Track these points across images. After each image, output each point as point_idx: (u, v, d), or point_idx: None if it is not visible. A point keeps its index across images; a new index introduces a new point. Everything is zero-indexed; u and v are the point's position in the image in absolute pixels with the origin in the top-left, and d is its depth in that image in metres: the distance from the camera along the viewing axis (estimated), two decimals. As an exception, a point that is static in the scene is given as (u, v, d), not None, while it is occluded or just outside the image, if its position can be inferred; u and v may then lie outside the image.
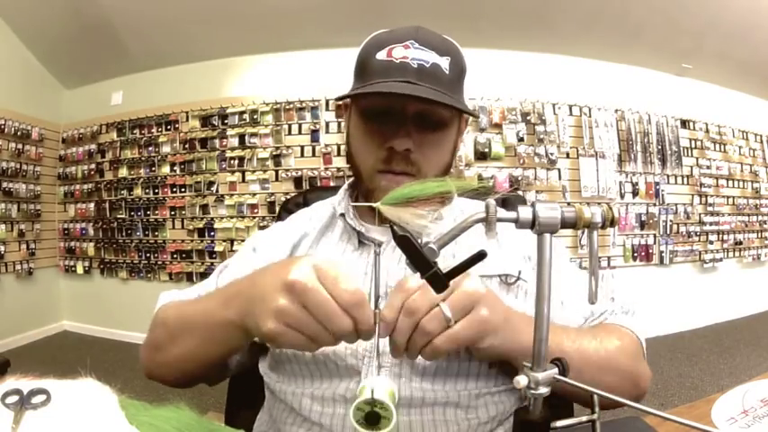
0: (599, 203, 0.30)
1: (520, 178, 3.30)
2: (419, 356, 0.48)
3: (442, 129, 0.66)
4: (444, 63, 0.64)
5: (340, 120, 3.21)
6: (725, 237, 3.87)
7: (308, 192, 1.01)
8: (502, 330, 0.50)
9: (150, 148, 3.57)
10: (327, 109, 3.31)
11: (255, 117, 3.36)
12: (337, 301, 0.43)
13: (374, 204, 0.41)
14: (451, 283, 0.39)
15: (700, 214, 3.75)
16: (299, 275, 0.44)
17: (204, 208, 3.44)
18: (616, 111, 3.51)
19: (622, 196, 3.49)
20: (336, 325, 0.43)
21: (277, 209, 1.13)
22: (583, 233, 3.29)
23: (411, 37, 0.64)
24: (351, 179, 0.77)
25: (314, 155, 3.30)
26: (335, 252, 0.69)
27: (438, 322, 0.45)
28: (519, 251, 0.68)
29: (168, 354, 0.61)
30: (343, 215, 0.72)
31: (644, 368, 0.64)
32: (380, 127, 0.64)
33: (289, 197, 1.08)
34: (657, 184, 3.58)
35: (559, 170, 3.36)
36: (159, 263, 3.53)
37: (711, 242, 3.80)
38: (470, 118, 0.76)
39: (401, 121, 0.63)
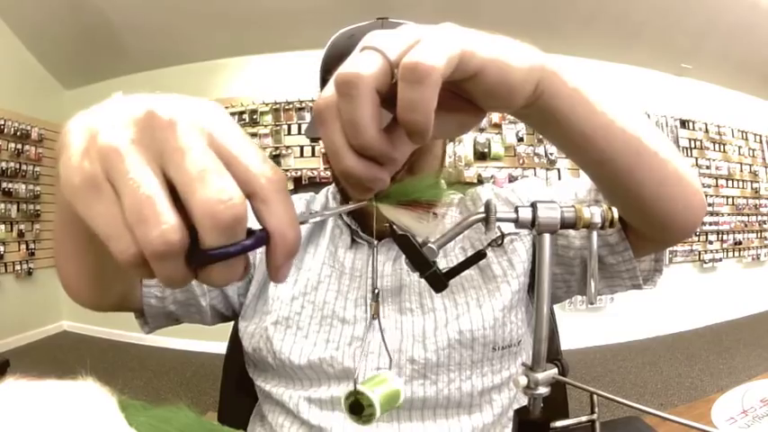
0: (599, 203, 0.31)
1: (519, 178, 3.30)
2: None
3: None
4: None
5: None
6: (724, 237, 3.87)
7: (297, 189, 1.01)
8: (488, 40, 0.31)
9: (150, 148, 3.57)
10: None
11: (255, 117, 3.36)
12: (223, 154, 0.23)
13: (373, 203, 0.40)
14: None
15: (699, 214, 3.75)
16: (168, 106, 0.24)
17: (204, 208, 3.44)
18: (616, 111, 3.50)
19: (622, 196, 3.49)
20: (210, 184, 0.21)
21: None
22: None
23: (376, 29, 0.62)
24: None
25: (313, 155, 3.30)
26: (330, 248, 0.67)
27: (368, 57, 0.26)
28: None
29: (58, 263, 0.49)
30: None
31: None
32: None
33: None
34: (657, 184, 3.58)
35: (559, 170, 3.36)
36: (159, 263, 3.53)
37: (711, 242, 3.80)
38: None
39: None
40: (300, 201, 0.77)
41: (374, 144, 0.26)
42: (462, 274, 0.63)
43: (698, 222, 0.51)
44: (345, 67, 0.26)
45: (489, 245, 0.63)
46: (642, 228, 0.52)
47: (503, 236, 0.63)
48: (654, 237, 0.53)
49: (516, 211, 0.35)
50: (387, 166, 0.28)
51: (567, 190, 0.63)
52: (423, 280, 0.62)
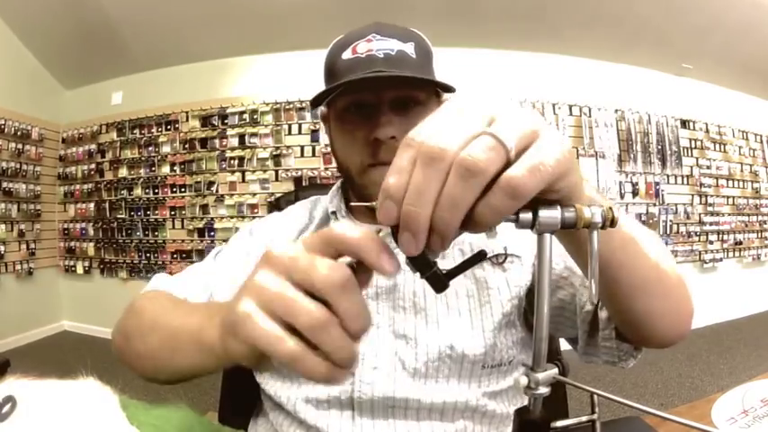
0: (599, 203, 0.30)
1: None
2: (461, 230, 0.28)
3: (422, 111, 0.65)
4: (409, 48, 0.64)
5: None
6: (725, 237, 3.87)
7: (299, 190, 1.00)
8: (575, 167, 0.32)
9: (150, 148, 3.57)
10: (327, 109, 3.31)
11: (255, 117, 3.36)
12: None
13: (372, 204, 0.40)
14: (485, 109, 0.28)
15: (700, 214, 3.75)
16: (280, 247, 0.31)
17: (204, 208, 3.44)
18: (616, 111, 3.50)
19: (622, 196, 3.48)
20: (327, 282, 0.29)
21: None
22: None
23: (372, 31, 0.64)
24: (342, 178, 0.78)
25: (314, 155, 3.30)
26: None
27: (495, 153, 0.26)
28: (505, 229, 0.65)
29: (136, 348, 0.55)
30: (335, 213, 0.71)
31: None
32: (361, 121, 0.64)
33: (280, 195, 1.08)
34: (657, 184, 3.58)
35: (559, 170, 3.36)
36: (159, 263, 3.53)
37: (711, 242, 3.80)
38: (444, 100, 0.75)
39: (380, 110, 0.62)
40: (303, 207, 0.78)
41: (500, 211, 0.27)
42: (456, 280, 0.63)
43: (685, 333, 0.54)
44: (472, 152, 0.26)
45: (489, 259, 0.63)
46: (631, 337, 0.55)
47: (506, 256, 0.63)
48: (640, 343, 0.57)
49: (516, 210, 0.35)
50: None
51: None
52: (417, 280, 0.62)
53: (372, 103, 0.63)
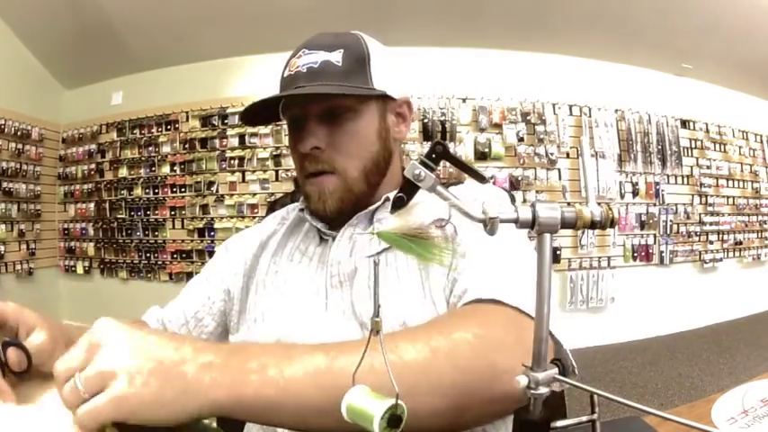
0: (599, 203, 0.30)
1: (520, 178, 3.30)
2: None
3: (351, 118, 0.66)
4: (335, 57, 0.65)
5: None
6: (725, 237, 3.87)
7: (295, 192, 1.00)
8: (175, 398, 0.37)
9: (150, 148, 3.57)
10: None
11: (255, 117, 3.36)
12: None
13: (373, 232, 0.41)
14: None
15: (700, 214, 3.75)
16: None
17: (204, 208, 3.44)
18: (616, 111, 3.51)
19: (622, 196, 3.49)
20: None
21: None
22: (583, 233, 3.30)
23: (303, 46, 0.67)
24: None
25: (314, 155, 3.31)
26: (301, 248, 0.71)
27: (74, 395, 0.37)
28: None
29: None
30: (302, 210, 0.73)
31: (503, 359, 0.43)
32: (296, 135, 0.68)
33: (279, 195, 1.08)
34: (657, 184, 3.58)
35: (559, 170, 3.36)
36: (159, 263, 3.53)
37: (711, 242, 3.80)
38: (408, 98, 0.73)
39: (303, 124, 0.66)
40: (275, 217, 0.80)
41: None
42: (406, 259, 0.62)
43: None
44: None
45: (434, 222, 0.62)
46: None
47: (446, 221, 0.61)
48: None
49: (516, 210, 0.35)
50: None
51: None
52: (372, 265, 0.62)
53: (299, 116, 0.67)
